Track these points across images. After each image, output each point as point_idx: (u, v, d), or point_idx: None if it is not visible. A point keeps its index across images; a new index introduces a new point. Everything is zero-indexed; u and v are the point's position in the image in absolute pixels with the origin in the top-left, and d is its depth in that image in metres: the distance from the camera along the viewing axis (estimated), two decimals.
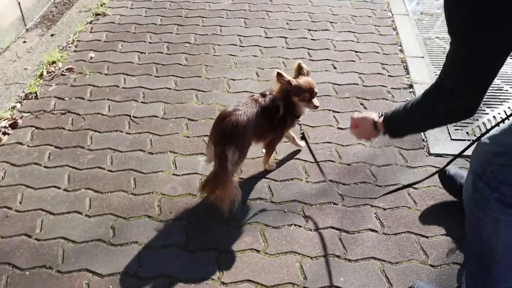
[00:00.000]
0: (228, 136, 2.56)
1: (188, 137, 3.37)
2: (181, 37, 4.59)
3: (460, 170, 2.87)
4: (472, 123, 3.47)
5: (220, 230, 2.71)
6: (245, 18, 4.93)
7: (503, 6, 1.52)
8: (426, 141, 3.32)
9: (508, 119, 1.98)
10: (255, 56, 4.31)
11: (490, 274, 1.95)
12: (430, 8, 5.14)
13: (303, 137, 3.00)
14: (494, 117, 3.54)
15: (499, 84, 3.90)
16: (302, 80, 2.78)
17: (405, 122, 2.08)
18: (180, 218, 2.78)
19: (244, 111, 2.65)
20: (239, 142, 2.61)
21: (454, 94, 1.76)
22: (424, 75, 4.02)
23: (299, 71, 2.84)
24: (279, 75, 2.74)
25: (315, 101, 2.81)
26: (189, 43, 4.51)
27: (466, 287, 2.13)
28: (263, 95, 2.83)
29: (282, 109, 2.80)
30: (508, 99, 3.73)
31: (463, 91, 1.74)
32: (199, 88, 3.87)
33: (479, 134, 2.23)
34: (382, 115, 2.19)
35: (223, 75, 4.03)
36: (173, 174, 3.08)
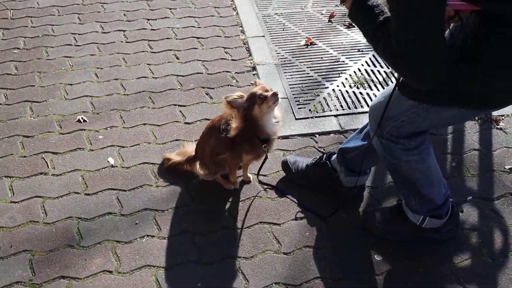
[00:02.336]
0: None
1: (24, 156, 3.12)
2: (8, 43, 4.21)
3: (297, 157, 2.95)
4: (314, 99, 3.56)
5: (69, 255, 2.55)
6: (79, 13, 4.64)
7: None
8: None
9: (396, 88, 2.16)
10: (92, 55, 4.07)
11: (420, 192, 2.38)
12: None
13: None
14: (333, 90, 3.66)
15: (336, 56, 4.03)
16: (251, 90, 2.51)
17: (367, 29, 1.97)
18: (22, 251, 2.57)
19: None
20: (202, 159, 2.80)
21: (406, 60, 1.78)
22: (266, 55, 4.05)
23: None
24: (228, 102, 2.45)
25: (270, 92, 2.43)
26: (18, 48, 4.15)
27: (406, 203, 2.49)
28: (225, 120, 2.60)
29: (233, 127, 2.53)
30: (346, 70, 3.87)
31: (412, 57, 1.76)
32: (33, 99, 3.59)
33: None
34: None
35: (59, 81, 3.77)
36: (11, 202, 2.83)
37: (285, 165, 2.95)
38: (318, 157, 2.88)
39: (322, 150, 3.14)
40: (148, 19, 4.54)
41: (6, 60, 4.00)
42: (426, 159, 2.31)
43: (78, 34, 4.33)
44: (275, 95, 2.43)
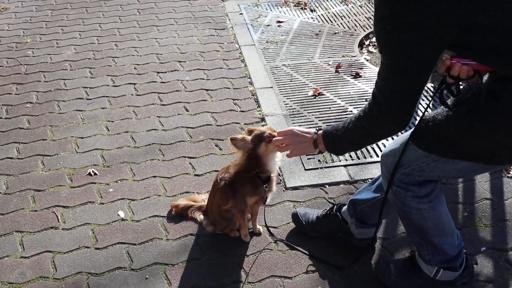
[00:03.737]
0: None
1: (35, 211, 3.13)
2: (21, 97, 4.30)
3: (308, 209, 2.94)
4: None
5: None
6: (91, 68, 4.74)
7: (424, 28, 1.75)
8: (281, 175, 3.36)
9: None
10: (103, 108, 4.14)
11: (432, 242, 2.36)
12: (274, 36, 5.28)
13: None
14: None
15: (343, 106, 4.07)
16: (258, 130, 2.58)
17: (344, 136, 2.17)
18: None
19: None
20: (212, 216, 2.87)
21: (385, 109, 1.97)
22: (274, 106, 4.10)
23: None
24: (232, 139, 2.55)
25: (275, 134, 2.48)
26: (31, 102, 4.23)
27: (419, 254, 2.47)
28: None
29: (234, 164, 2.68)
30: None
31: (393, 105, 1.95)
32: (44, 153, 3.62)
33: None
34: (319, 129, 2.27)
35: (70, 134, 3.82)
36: (21, 257, 2.82)
37: (295, 217, 2.94)
38: (328, 208, 2.87)
39: (332, 201, 3.13)
40: (158, 72, 4.63)
41: (19, 114, 4.07)
42: (437, 208, 2.30)
43: (90, 88, 4.42)
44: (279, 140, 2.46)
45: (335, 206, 2.84)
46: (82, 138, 3.78)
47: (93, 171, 3.42)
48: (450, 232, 2.38)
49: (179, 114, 4.03)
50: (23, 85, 4.48)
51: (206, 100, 4.21)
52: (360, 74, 4.54)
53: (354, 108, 4.05)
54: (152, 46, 5.10)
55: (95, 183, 3.33)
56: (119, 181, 3.34)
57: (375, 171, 3.33)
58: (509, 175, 3.29)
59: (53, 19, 5.77)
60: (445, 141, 2.05)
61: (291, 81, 4.46)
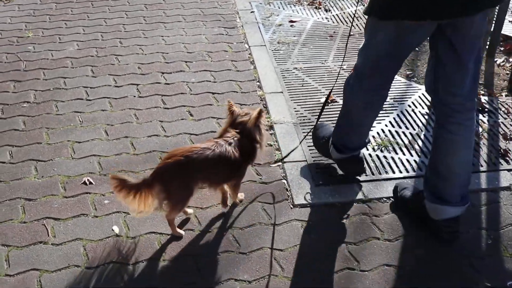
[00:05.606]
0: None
1: (24, 222, 2.91)
2: (18, 96, 4.09)
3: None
4: (335, 163, 3.32)
5: None
6: (93, 66, 4.52)
7: None
8: (289, 190, 3.13)
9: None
10: (103, 110, 3.92)
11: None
12: (286, 36, 5.03)
13: None
14: None
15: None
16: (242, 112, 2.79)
17: None
18: None
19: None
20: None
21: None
22: (284, 113, 3.85)
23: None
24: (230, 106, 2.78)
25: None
26: (28, 102, 4.02)
27: None
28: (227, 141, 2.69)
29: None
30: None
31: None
32: (38, 158, 3.41)
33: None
34: None
35: (67, 138, 3.60)
36: (6, 275, 2.61)
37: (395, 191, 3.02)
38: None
39: (344, 221, 2.89)
40: (163, 73, 4.40)
41: (15, 115, 3.86)
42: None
43: (90, 87, 4.20)
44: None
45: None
46: (79, 142, 3.56)
47: (88, 179, 3.20)
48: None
49: (182, 119, 3.80)
50: (21, 83, 4.27)
51: (212, 105, 3.97)
52: None
53: None
54: (158, 44, 4.87)
55: (90, 193, 3.12)
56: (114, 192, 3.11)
57: (391, 189, 3.09)
58: None
59: (57, 12, 5.56)
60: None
61: (302, 86, 4.22)
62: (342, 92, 2.90)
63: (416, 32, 2.38)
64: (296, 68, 4.47)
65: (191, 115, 3.85)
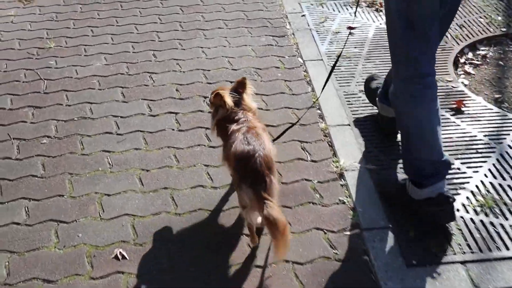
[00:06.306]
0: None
1: None
2: (37, 128, 3.48)
3: None
4: (429, 232, 2.62)
5: None
6: (123, 87, 3.88)
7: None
8: (373, 269, 2.45)
9: None
10: (137, 149, 3.28)
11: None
12: (347, 48, 4.29)
13: None
14: None
15: None
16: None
17: None
18: None
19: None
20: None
21: None
22: (355, 154, 3.17)
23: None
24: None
25: None
26: (48, 137, 3.40)
27: None
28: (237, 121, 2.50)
29: None
30: (464, 183, 2.93)
31: None
32: (60, 218, 2.80)
33: None
34: None
35: (94, 189, 2.98)
36: None
37: None
38: None
39: None
40: (205, 97, 3.73)
41: (33, 155, 3.25)
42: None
43: (121, 117, 3.56)
44: None
45: None
46: (108, 195, 2.93)
47: (120, 252, 2.59)
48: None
49: None
50: (41, 110, 3.65)
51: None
52: (461, 109, 3.53)
53: (461, 163, 3.07)
54: (197, 59, 4.19)
55: (122, 272, 2.50)
56: (154, 272, 2.48)
57: (509, 275, 2.38)
58: None
59: (82, 16, 4.91)
60: None
61: (372, 116, 3.49)
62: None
63: (421, 1, 2.37)
64: (362, 91, 3.74)
65: None
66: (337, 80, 3.88)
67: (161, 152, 3.24)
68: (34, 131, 3.46)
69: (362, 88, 3.74)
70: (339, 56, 3.12)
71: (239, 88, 2.58)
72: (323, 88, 3.08)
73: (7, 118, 3.58)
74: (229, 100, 2.51)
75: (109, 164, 3.16)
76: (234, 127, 2.45)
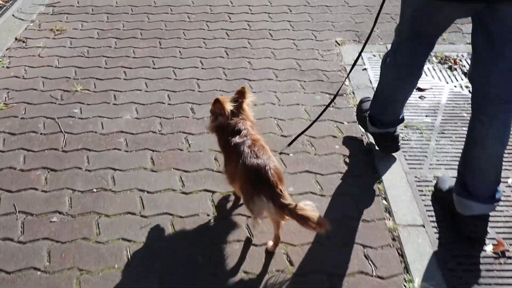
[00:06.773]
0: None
1: None
2: (48, 200, 2.96)
3: None
4: None
5: None
6: (154, 150, 3.33)
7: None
8: None
9: None
10: (163, 239, 2.69)
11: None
12: (415, 115, 3.65)
13: None
14: None
15: None
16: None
17: None
18: None
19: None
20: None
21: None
22: (431, 268, 2.56)
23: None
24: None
25: None
26: (60, 213, 2.89)
27: None
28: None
29: None
30: None
31: None
32: None
33: None
34: None
35: None
36: None
37: None
38: None
39: None
40: None
41: (39, 238, 2.72)
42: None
43: (148, 192, 3.00)
44: None
45: None
46: None
47: None
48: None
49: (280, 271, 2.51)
50: (57, 174, 3.13)
51: (322, 245, 2.66)
52: None
53: None
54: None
55: None
56: None
57: None
58: None
59: (115, 53, 4.41)
60: None
61: (452, 215, 2.83)
62: None
63: (442, 11, 2.40)
64: (436, 176, 3.09)
65: (291, 264, 2.56)
66: (406, 160, 3.24)
67: (190, 248, 2.64)
68: (45, 203, 2.92)
69: (437, 172, 3.10)
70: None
71: (239, 97, 2.59)
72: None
73: (16, 182, 3.06)
74: (228, 107, 2.52)
75: (128, 258, 2.58)
76: (237, 139, 2.47)
